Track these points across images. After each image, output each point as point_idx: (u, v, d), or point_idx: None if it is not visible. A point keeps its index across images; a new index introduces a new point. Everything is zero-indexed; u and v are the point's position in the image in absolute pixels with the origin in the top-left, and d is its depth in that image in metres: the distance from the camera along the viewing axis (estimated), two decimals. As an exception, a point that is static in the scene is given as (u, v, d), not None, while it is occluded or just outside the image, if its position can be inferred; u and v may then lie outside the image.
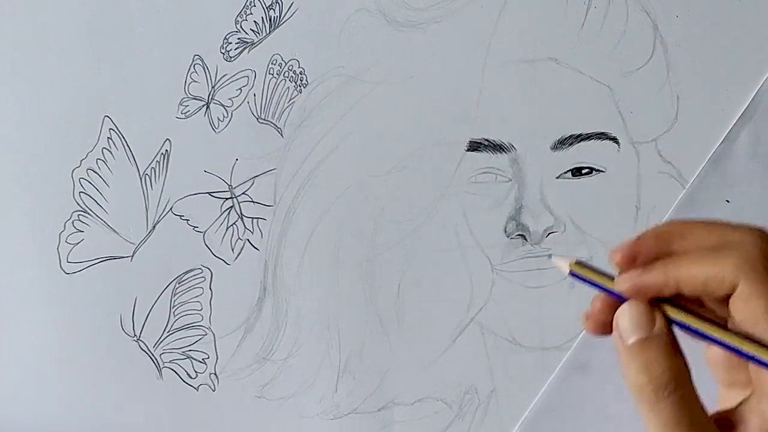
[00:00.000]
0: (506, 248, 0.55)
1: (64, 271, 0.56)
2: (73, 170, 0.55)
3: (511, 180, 0.55)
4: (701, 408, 0.41)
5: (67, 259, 0.55)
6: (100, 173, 0.55)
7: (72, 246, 0.55)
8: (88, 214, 0.55)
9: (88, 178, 0.55)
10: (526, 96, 0.54)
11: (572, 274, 0.43)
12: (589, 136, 0.54)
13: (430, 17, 0.55)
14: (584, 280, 0.42)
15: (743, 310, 0.40)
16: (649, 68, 0.54)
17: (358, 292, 0.55)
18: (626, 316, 0.41)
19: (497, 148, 0.54)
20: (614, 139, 0.54)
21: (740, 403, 0.41)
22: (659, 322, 0.41)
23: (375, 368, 0.55)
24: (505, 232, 0.55)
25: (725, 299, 0.41)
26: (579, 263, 0.43)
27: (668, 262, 0.41)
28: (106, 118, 0.55)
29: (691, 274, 0.40)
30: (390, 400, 0.55)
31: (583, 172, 0.54)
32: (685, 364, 0.41)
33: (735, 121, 0.54)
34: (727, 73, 0.54)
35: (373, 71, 0.55)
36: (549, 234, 0.54)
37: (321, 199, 0.55)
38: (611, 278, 0.42)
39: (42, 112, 0.55)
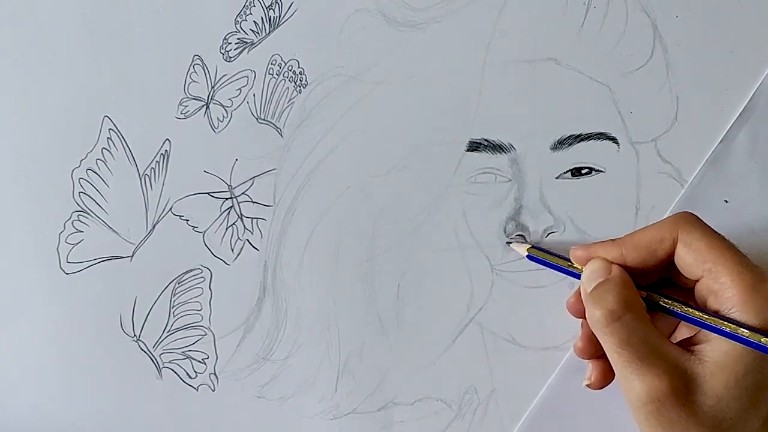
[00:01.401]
0: (506, 248, 0.55)
1: (63, 271, 0.56)
2: (73, 170, 0.55)
3: (510, 180, 0.55)
4: (653, 330, 0.46)
5: (67, 259, 0.55)
6: (99, 173, 0.55)
7: (72, 246, 0.55)
8: (88, 214, 0.55)
9: (87, 179, 0.55)
10: (525, 96, 0.54)
11: (529, 257, 0.53)
12: (588, 136, 0.54)
13: (429, 17, 0.55)
14: (541, 261, 0.52)
15: (687, 255, 0.47)
16: (648, 68, 0.54)
17: (358, 292, 0.55)
18: (586, 270, 0.49)
19: (497, 148, 0.54)
20: (614, 139, 0.54)
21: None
22: (615, 268, 0.48)
23: (375, 368, 0.55)
24: (505, 232, 0.55)
25: (668, 262, 0.48)
26: (534, 247, 0.53)
27: (616, 239, 0.49)
28: (106, 118, 0.55)
29: (634, 240, 0.48)
30: (390, 400, 0.55)
31: (583, 172, 0.54)
32: (637, 299, 0.47)
33: (733, 121, 0.54)
34: (726, 73, 0.54)
35: (373, 71, 0.55)
36: (549, 234, 0.54)
37: (321, 199, 0.55)
38: (567, 260, 0.51)
39: (42, 112, 0.56)
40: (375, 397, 0.55)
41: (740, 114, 0.54)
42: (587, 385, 0.51)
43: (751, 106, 0.54)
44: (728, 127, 0.54)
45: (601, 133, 0.54)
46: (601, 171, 0.54)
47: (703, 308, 0.47)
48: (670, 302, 0.48)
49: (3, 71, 0.56)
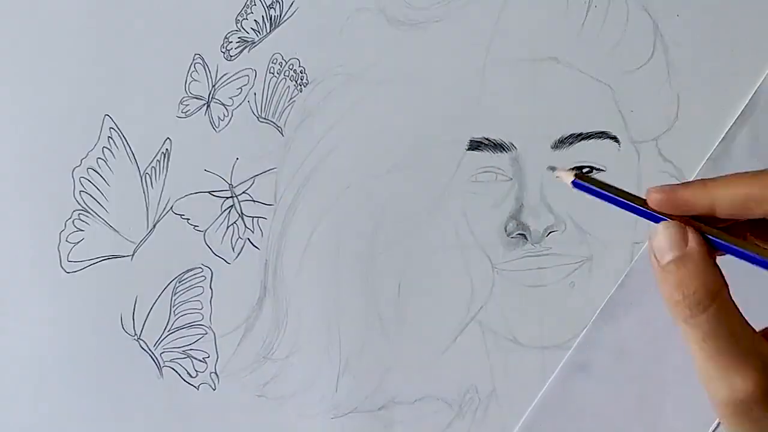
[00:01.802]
0: (507, 247, 0.55)
1: (64, 270, 0.55)
2: (74, 169, 0.55)
3: (511, 179, 0.55)
4: (741, 320, 0.41)
5: (68, 258, 0.55)
6: (100, 172, 0.55)
7: (72, 245, 0.55)
8: (89, 213, 0.55)
9: (88, 177, 0.55)
10: (526, 95, 0.54)
11: (575, 183, 0.43)
12: (589, 136, 0.54)
13: (430, 16, 0.55)
14: (590, 190, 0.42)
15: None
16: (649, 67, 0.54)
17: (359, 291, 0.55)
18: (661, 236, 0.41)
19: (498, 147, 0.55)
20: (615, 139, 0.54)
21: None
22: (693, 240, 0.41)
23: (375, 367, 0.55)
24: (506, 231, 0.55)
25: (752, 225, 0.42)
26: (582, 175, 0.43)
27: (707, 180, 0.41)
28: (107, 117, 0.55)
29: (730, 192, 0.40)
30: (390, 399, 0.55)
31: (584, 171, 0.54)
32: (721, 280, 0.41)
33: (734, 120, 0.54)
34: (726, 72, 0.55)
35: (374, 70, 0.55)
36: (549, 233, 0.54)
37: (321, 198, 0.55)
38: (623, 192, 0.42)
39: (42, 112, 0.56)
40: (375, 396, 0.55)
41: (741, 113, 0.54)
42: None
43: (752, 105, 0.54)
44: (729, 126, 0.54)
45: (602, 132, 0.54)
46: (602, 170, 0.54)
47: None
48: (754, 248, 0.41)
49: (3, 71, 0.56)
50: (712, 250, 0.41)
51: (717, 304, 0.40)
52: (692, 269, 0.41)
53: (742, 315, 0.41)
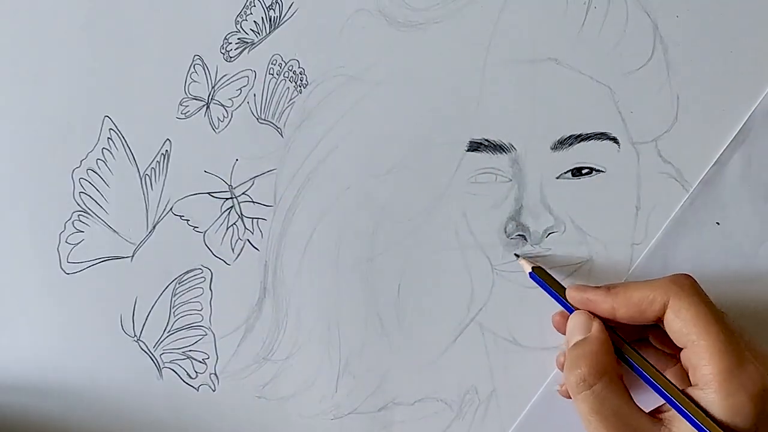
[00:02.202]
0: (506, 248, 0.55)
1: (64, 271, 0.56)
2: (73, 170, 0.55)
3: (511, 180, 0.55)
4: (627, 402, 0.47)
5: (68, 259, 0.56)
6: (100, 173, 0.55)
7: (72, 246, 0.56)
8: (89, 214, 0.55)
9: (88, 179, 0.55)
10: (526, 96, 0.54)
11: (531, 275, 0.53)
12: (589, 137, 0.54)
13: (430, 17, 0.55)
14: (540, 283, 0.52)
15: (674, 322, 0.47)
16: (649, 68, 0.54)
17: (358, 292, 0.55)
18: (572, 321, 0.50)
19: (497, 148, 0.54)
20: (614, 140, 0.54)
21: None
22: (595, 327, 0.49)
23: (375, 368, 0.55)
24: (505, 232, 0.55)
25: (659, 321, 0.48)
26: (539, 268, 0.53)
27: (611, 286, 0.49)
28: (106, 118, 0.55)
29: (626, 295, 0.48)
30: (390, 400, 0.55)
31: (583, 172, 0.54)
32: (611, 364, 0.48)
33: (733, 122, 0.54)
34: (726, 72, 0.54)
35: (373, 71, 0.55)
36: (549, 234, 0.54)
37: (321, 199, 0.55)
38: (562, 287, 0.52)
39: (42, 112, 0.56)
40: (375, 397, 0.55)
41: (734, 137, 0.54)
42: (559, 392, 0.53)
43: (746, 129, 0.54)
44: (728, 127, 0.54)
45: (602, 133, 0.54)
46: (602, 171, 0.54)
47: (672, 382, 0.47)
48: (646, 367, 0.48)
49: (3, 71, 0.56)
50: (615, 338, 0.49)
51: (602, 383, 0.47)
52: (585, 351, 0.48)
53: (629, 397, 0.47)
